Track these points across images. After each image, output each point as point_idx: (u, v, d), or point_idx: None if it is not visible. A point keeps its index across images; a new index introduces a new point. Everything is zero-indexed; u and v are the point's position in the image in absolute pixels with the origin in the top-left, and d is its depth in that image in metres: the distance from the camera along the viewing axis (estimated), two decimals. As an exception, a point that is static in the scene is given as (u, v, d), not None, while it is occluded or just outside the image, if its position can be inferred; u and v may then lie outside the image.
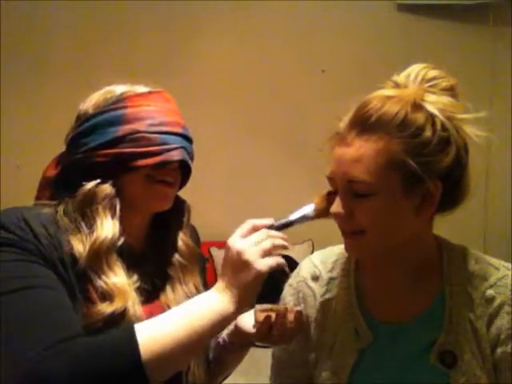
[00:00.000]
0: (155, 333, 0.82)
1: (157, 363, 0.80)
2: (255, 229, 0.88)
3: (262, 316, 0.96)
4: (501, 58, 2.71)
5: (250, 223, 0.88)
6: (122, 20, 2.93)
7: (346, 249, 0.99)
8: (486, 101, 2.57)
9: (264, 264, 0.85)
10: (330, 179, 0.94)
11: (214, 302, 0.86)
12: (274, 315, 0.95)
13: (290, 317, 0.96)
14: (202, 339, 0.86)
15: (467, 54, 2.70)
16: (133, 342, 0.79)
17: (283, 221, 0.93)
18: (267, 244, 0.86)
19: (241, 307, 0.88)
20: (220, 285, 0.88)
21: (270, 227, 0.90)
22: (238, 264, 0.85)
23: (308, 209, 0.94)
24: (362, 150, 0.90)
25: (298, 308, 0.99)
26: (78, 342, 0.79)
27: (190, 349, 0.85)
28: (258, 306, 0.98)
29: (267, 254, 0.86)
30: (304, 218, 0.94)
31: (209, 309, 0.85)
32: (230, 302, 0.86)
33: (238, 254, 0.85)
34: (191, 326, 0.83)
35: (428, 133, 0.90)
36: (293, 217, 0.93)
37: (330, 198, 0.94)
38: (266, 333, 0.96)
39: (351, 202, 0.91)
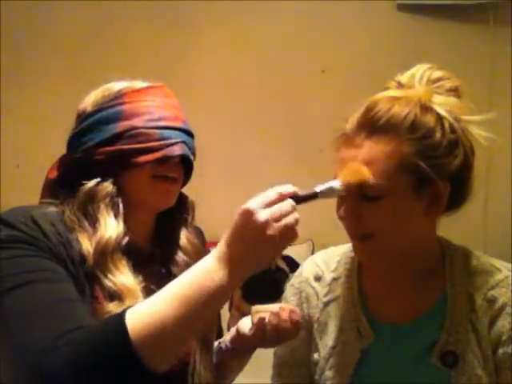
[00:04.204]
0: (145, 310, 0.76)
1: (149, 345, 0.74)
2: (281, 199, 0.78)
3: (256, 317, 0.95)
4: (501, 58, 2.71)
5: (276, 192, 0.78)
6: (122, 21, 2.92)
7: (356, 253, 0.98)
8: (486, 101, 2.56)
9: (285, 242, 0.78)
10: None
11: (213, 271, 0.77)
12: (267, 315, 0.94)
13: (284, 315, 0.94)
14: (198, 313, 0.77)
15: (467, 53, 2.69)
16: (122, 326, 0.74)
17: (308, 192, 0.82)
18: (291, 220, 0.77)
19: (240, 280, 0.79)
20: (224, 252, 0.77)
21: (293, 197, 0.80)
22: (258, 236, 0.76)
23: (334, 183, 0.85)
24: (372, 152, 0.89)
25: (292, 306, 0.97)
26: (79, 332, 0.76)
27: (184, 324, 0.76)
28: (255, 308, 0.98)
29: (289, 230, 0.77)
30: (330, 192, 0.84)
31: (206, 279, 0.77)
32: (230, 273, 0.77)
33: (262, 225, 0.75)
34: (184, 298, 0.76)
35: (438, 135, 0.89)
36: (318, 188, 0.83)
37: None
38: (262, 334, 0.95)
39: (360, 205, 0.90)
